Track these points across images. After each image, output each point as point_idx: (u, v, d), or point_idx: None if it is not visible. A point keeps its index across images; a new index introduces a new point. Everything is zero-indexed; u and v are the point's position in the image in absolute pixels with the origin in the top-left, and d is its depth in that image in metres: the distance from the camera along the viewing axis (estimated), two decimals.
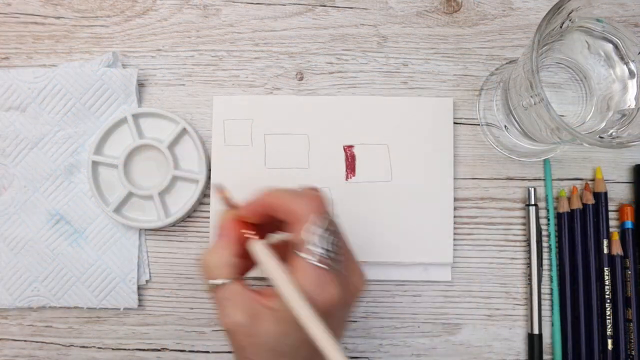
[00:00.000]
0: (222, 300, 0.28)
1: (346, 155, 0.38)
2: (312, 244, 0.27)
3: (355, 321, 0.38)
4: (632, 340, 0.36)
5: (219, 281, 0.28)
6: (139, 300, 0.38)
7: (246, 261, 0.29)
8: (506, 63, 0.39)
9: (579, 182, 0.38)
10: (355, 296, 0.30)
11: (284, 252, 0.29)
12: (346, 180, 0.37)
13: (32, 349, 0.39)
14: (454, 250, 0.38)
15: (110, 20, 0.40)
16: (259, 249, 0.28)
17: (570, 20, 0.31)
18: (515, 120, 0.34)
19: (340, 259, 0.28)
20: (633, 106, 0.32)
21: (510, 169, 0.39)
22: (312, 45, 0.39)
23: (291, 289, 0.26)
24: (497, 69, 0.38)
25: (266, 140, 0.38)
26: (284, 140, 0.38)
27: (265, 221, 0.30)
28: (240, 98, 0.38)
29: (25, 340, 0.39)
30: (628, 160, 0.38)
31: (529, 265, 0.38)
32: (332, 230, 0.28)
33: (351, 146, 0.38)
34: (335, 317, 0.28)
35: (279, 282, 0.26)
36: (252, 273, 0.30)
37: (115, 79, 0.38)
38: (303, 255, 0.27)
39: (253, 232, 0.29)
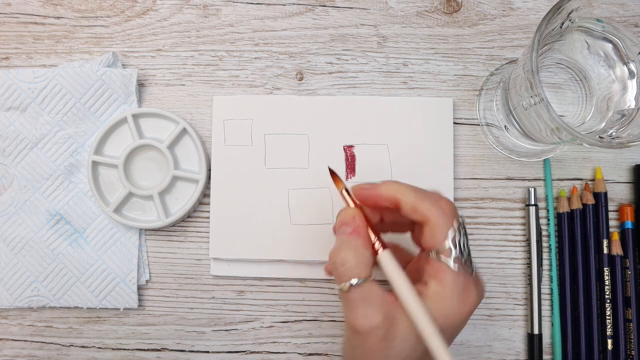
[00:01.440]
0: (357, 301, 0.27)
1: (346, 156, 0.38)
2: (455, 250, 0.27)
3: None
4: (632, 340, 0.36)
5: (358, 280, 0.27)
6: (139, 300, 0.38)
7: None
8: (506, 63, 0.39)
9: (579, 182, 0.38)
10: (478, 303, 0.29)
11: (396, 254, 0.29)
12: (346, 180, 0.37)
13: (32, 349, 0.39)
14: None
15: (110, 20, 0.40)
16: (388, 261, 0.28)
17: (570, 20, 0.31)
18: (515, 121, 0.34)
19: (473, 267, 0.28)
20: (633, 106, 0.32)
21: (510, 169, 0.39)
22: (312, 45, 0.39)
23: (418, 307, 0.26)
24: (497, 69, 0.38)
25: (266, 140, 0.38)
26: (284, 140, 0.38)
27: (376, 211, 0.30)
28: (240, 98, 0.38)
29: (25, 340, 0.39)
30: (628, 161, 0.38)
31: (529, 265, 0.38)
32: (467, 239, 0.28)
33: (351, 146, 0.38)
34: (463, 326, 0.28)
35: (406, 298, 0.26)
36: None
37: (115, 79, 0.38)
38: (447, 261, 0.27)
39: (381, 241, 0.28)
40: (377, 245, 0.28)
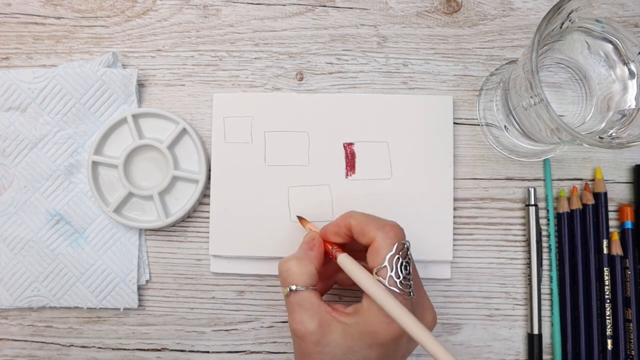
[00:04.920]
0: (294, 306, 0.30)
1: (346, 153, 0.38)
2: (391, 270, 0.29)
3: None
4: (632, 340, 0.36)
5: (297, 287, 0.30)
6: (139, 300, 0.38)
7: (322, 284, 0.33)
8: (506, 63, 0.39)
9: (578, 182, 0.38)
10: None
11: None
12: (346, 177, 0.37)
13: (32, 349, 0.39)
14: (454, 250, 0.38)
15: (110, 20, 0.40)
16: (346, 259, 0.30)
17: (570, 20, 0.31)
18: (515, 121, 0.34)
19: (411, 291, 0.30)
20: (633, 106, 0.32)
21: (510, 169, 0.39)
22: (312, 45, 0.39)
23: (381, 289, 0.28)
24: (497, 69, 0.38)
25: (266, 137, 0.38)
26: (284, 137, 0.38)
27: (344, 243, 0.33)
28: (241, 95, 0.38)
29: (25, 340, 0.39)
30: (628, 161, 0.38)
31: (529, 265, 0.38)
32: (407, 262, 0.30)
33: (351, 144, 0.38)
34: (401, 347, 0.30)
35: (368, 284, 0.28)
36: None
37: (115, 79, 0.38)
38: (380, 278, 0.29)
39: (339, 249, 0.32)
40: (335, 253, 0.31)
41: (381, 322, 0.28)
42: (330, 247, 0.32)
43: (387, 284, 0.28)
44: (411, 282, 0.29)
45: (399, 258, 0.29)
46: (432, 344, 0.26)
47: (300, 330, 0.29)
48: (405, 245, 0.30)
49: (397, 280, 0.28)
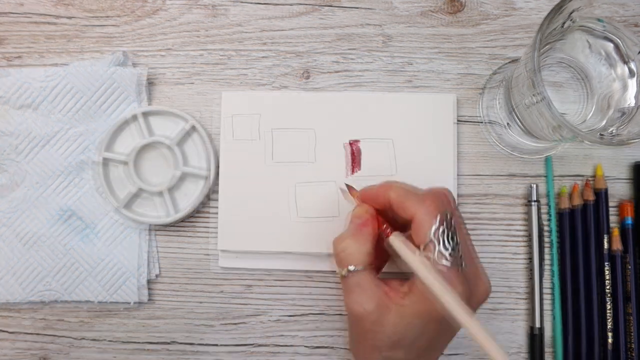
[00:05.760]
0: (353, 287, 0.29)
1: (351, 150, 0.38)
2: (437, 245, 0.28)
3: None
4: (632, 336, 0.37)
5: (355, 267, 0.29)
6: (149, 294, 0.39)
7: (376, 261, 0.31)
8: (508, 62, 0.39)
9: (580, 179, 0.39)
10: (478, 305, 0.30)
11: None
12: (352, 174, 0.38)
13: (44, 342, 0.40)
14: None
15: (120, 19, 0.40)
16: (399, 242, 0.29)
17: (571, 20, 0.31)
18: (517, 119, 0.35)
19: (461, 261, 0.28)
20: (633, 105, 0.32)
21: (512, 166, 0.39)
22: (318, 44, 0.40)
23: (434, 276, 0.27)
24: (499, 68, 0.39)
25: (273, 135, 0.39)
26: (290, 135, 0.38)
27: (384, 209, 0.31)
28: (248, 94, 0.39)
29: (37, 334, 0.40)
30: (628, 158, 0.39)
31: (531, 260, 0.38)
32: (453, 232, 0.28)
33: (356, 141, 0.38)
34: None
35: (421, 271, 0.27)
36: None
37: (125, 77, 0.39)
38: (427, 256, 0.28)
39: (390, 227, 0.30)
40: (388, 231, 0.30)
41: (432, 300, 0.27)
42: (383, 225, 0.31)
43: (436, 259, 0.27)
44: (460, 252, 0.28)
45: (443, 230, 0.28)
46: (474, 327, 0.25)
47: (359, 311, 0.29)
48: (448, 215, 0.29)
49: (446, 254, 0.27)
